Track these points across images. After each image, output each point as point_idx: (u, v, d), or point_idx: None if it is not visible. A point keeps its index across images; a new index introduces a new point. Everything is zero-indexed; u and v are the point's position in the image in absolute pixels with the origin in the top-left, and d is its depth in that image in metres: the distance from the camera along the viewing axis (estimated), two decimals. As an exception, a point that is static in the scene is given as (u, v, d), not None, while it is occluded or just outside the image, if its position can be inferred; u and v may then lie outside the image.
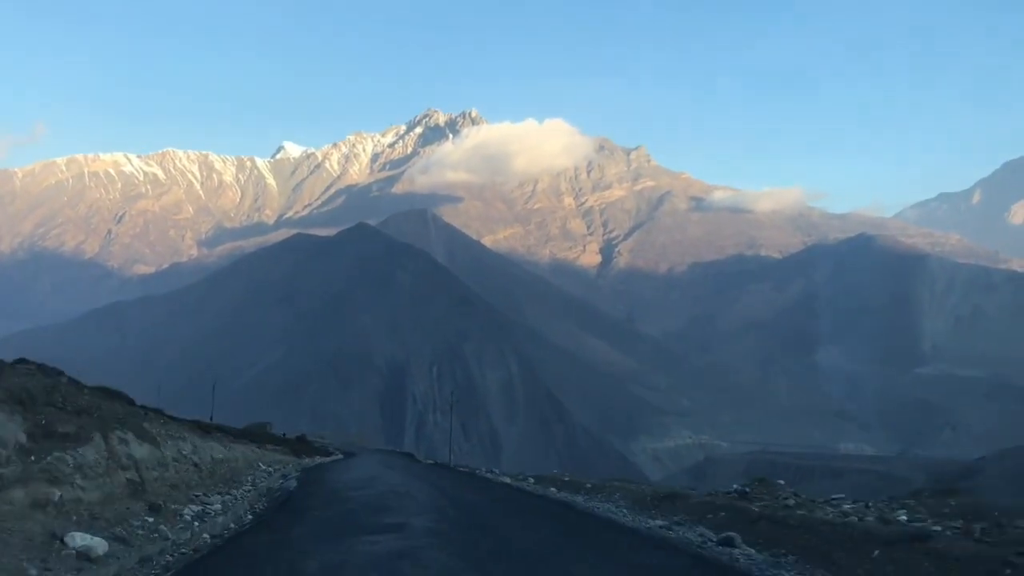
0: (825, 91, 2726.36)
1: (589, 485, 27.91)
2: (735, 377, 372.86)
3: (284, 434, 77.30)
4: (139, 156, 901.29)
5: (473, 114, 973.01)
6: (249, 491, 23.62)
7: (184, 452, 21.81)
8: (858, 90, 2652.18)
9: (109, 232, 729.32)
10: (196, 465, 22.36)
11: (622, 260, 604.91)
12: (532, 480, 32.93)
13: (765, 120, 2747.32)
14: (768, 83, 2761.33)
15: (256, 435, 51.78)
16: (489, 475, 37.97)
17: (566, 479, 32.31)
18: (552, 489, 27.77)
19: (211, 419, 73.06)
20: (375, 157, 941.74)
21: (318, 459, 53.58)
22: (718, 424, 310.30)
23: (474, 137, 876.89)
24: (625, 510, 19.98)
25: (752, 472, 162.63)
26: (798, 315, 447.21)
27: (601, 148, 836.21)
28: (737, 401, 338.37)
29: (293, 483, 27.63)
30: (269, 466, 35.38)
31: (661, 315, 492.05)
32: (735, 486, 20.15)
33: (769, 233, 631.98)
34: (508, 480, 33.04)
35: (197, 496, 19.04)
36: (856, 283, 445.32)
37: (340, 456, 66.64)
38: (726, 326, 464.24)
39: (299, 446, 61.78)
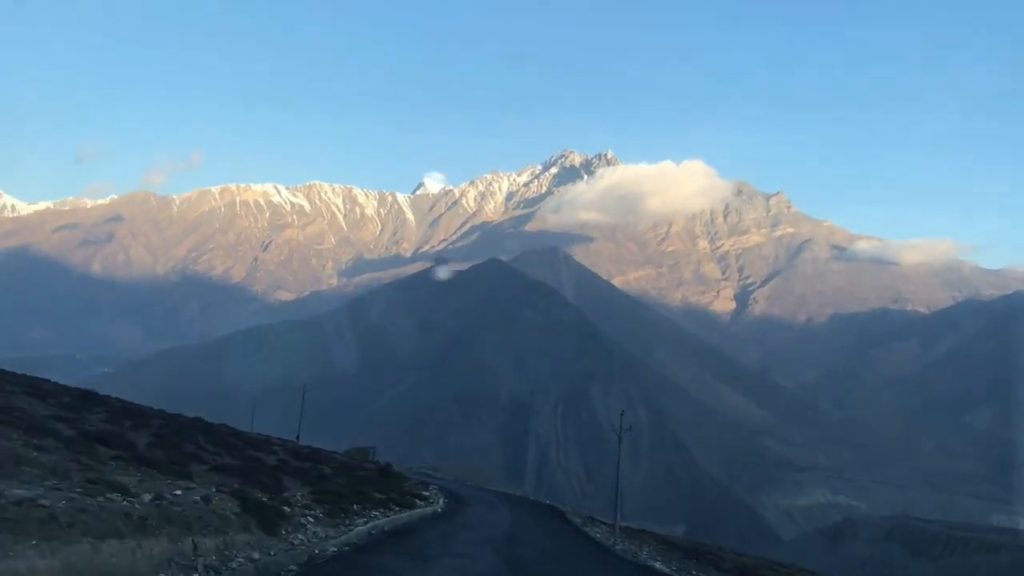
0: (980, 137, 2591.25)
1: None
2: (875, 436, 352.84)
3: (377, 461, 66.17)
4: (287, 187, 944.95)
5: (609, 155, 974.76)
6: None
7: None
8: (1016, 132, 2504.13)
9: (255, 259, 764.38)
10: None
11: (758, 308, 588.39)
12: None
13: (914, 167, 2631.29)
14: (918, 128, 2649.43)
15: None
16: None
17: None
18: None
19: (297, 439, 69.55)
20: (510, 195, 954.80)
21: (362, 524, 22.50)
22: (856, 484, 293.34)
23: (608, 178, 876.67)
24: None
25: (896, 539, 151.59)
26: (946, 374, 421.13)
27: (739, 192, 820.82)
28: (877, 461, 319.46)
29: None
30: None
31: (797, 366, 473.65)
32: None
33: (916, 287, 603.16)
34: None
35: None
36: (1013, 343, 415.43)
37: (435, 507, 37.20)
38: (867, 381, 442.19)
39: (378, 479, 40.46)
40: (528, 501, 69.44)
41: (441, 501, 42.51)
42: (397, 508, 29.49)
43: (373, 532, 21.85)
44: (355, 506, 24.76)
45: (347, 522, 21.30)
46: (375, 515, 25.06)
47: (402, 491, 38.03)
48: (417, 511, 31.67)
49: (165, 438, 24.53)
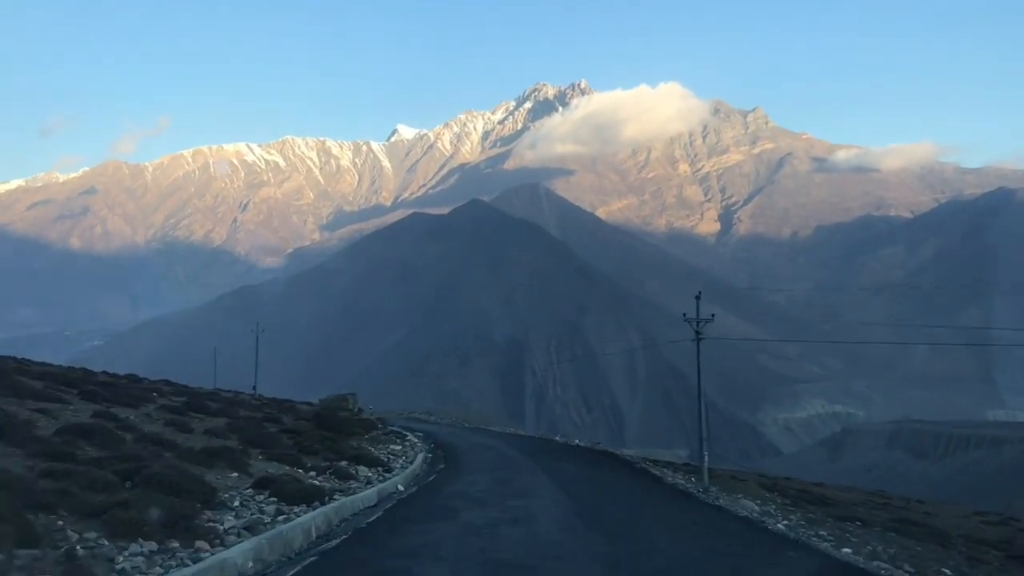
0: (954, 33, 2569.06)
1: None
2: (868, 343, 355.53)
3: (358, 409, 50.38)
4: (260, 145, 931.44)
5: (583, 85, 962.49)
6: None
7: None
8: (991, 28, 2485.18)
9: (235, 220, 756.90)
10: None
11: (742, 227, 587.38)
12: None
13: (889, 71, 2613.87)
14: (890, 30, 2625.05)
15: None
16: None
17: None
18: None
19: (254, 390, 61.44)
20: (486, 135, 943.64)
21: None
22: (853, 392, 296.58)
23: (583, 108, 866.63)
24: None
25: (898, 443, 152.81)
26: (933, 277, 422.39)
27: (716, 111, 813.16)
28: (871, 368, 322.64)
29: None
30: None
31: (785, 281, 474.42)
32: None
33: (898, 192, 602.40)
34: None
35: None
36: (998, 240, 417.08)
37: (395, 481, 19.78)
38: (856, 291, 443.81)
39: (311, 434, 25.33)
40: (563, 448, 43.52)
41: (417, 461, 26.14)
42: (252, 523, 11.81)
43: None
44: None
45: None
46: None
47: (338, 452, 22.60)
48: (321, 511, 13.71)
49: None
